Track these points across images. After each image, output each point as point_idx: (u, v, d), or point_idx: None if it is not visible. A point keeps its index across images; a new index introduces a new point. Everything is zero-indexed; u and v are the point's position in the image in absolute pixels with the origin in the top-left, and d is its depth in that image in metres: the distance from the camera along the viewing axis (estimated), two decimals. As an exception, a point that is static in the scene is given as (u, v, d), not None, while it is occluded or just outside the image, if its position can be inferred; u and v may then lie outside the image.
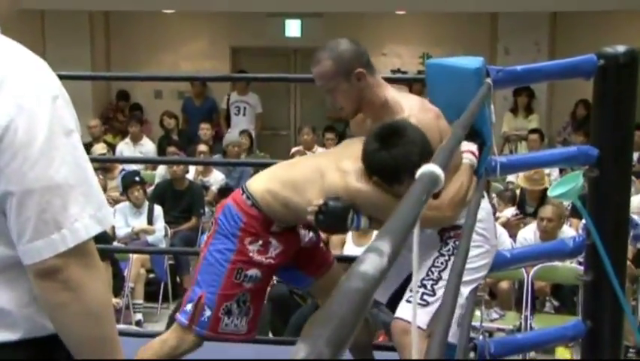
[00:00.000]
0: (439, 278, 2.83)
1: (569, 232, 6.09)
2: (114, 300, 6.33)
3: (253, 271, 2.94)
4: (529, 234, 6.25)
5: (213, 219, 3.10)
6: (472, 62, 2.99)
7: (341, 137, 8.80)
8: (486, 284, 6.35)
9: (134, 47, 11.91)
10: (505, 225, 6.98)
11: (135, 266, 6.68)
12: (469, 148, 2.91)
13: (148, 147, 9.99)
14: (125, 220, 7.29)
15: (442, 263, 2.88)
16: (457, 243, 2.86)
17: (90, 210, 1.50)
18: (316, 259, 3.18)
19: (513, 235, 6.61)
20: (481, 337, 3.94)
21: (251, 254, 2.92)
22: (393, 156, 2.67)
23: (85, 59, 11.47)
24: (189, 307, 2.99)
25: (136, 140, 9.96)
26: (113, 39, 12.28)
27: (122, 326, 5.80)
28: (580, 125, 9.76)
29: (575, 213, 6.64)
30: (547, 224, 6.01)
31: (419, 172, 1.31)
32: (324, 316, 0.67)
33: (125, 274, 6.59)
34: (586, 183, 3.28)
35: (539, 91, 10.73)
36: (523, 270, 5.89)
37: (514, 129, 10.48)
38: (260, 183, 2.96)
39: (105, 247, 6.50)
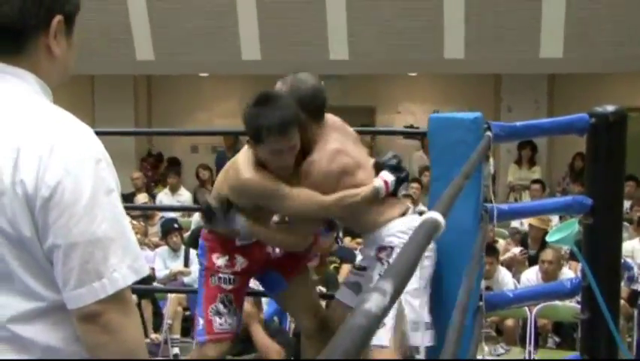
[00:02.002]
0: None
1: (569, 273, 6.05)
2: (154, 335, 6.35)
3: (225, 275, 3.06)
4: (531, 275, 6.21)
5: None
6: (471, 114, 3.02)
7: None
8: (492, 322, 6.31)
9: (172, 106, 12.04)
10: (510, 262, 6.97)
11: (173, 304, 6.67)
12: (384, 177, 2.97)
13: (185, 196, 10.04)
14: (163, 263, 7.31)
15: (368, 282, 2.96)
16: (389, 261, 2.91)
17: (128, 261, 1.53)
18: (290, 262, 3.20)
19: (517, 273, 6.59)
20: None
21: (218, 265, 3.06)
22: (256, 113, 2.79)
23: (129, 117, 11.61)
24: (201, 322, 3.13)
25: (174, 190, 10.03)
26: (154, 100, 12.44)
27: (161, 359, 5.81)
28: (577, 176, 9.74)
29: (573, 256, 6.59)
30: (548, 266, 5.98)
31: (423, 218, 1.32)
32: (330, 349, 0.68)
33: (164, 311, 6.59)
34: (581, 229, 3.27)
35: (540, 144, 10.73)
36: (527, 309, 5.85)
37: (518, 179, 10.48)
38: None
39: (147, 287, 6.54)
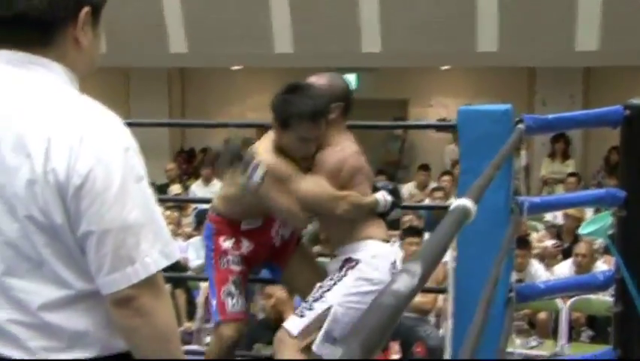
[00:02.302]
0: (321, 297, 2.97)
1: (603, 267, 5.99)
2: (187, 324, 6.41)
3: (233, 256, 3.13)
4: (565, 268, 6.18)
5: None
6: (501, 106, 3.02)
7: (391, 179, 8.80)
8: (525, 314, 6.29)
9: (206, 99, 12.13)
10: (543, 254, 6.94)
11: (206, 294, 6.73)
12: (384, 195, 3.09)
13: (218, 187, 10.08)
14: (196, 253, 7.36)
15: (328, 286, 2.99)
16: (347, 272, 2.98)
17: (159, 247, 1.57)
18: (287, 253, 3.30)
19: (548, 266, 6.56)
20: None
21: (225, 247, 3.13)
22: (288, 99, 2.89)
23: (163, 110, 11.72)
24: (214, 303, 3.21)
25: (207, 181, 10.10)
26: (187, 93, 12.54)
27: (195, 347, 5.87)
28: (612, 170, 9.64)
29: (608, 250, 6.53)
30: (582, 259, 5.94)
31: (453, 205, 1.33)
32: (357, 326, 0.70)
33: (197, 301, 6.65)
34: (615, 222, 3.25)
35: (575, 138, 10.64)
36: (561, 302, 5.82)
37: (551, 173, 10.41)
38: (216, 196, 3.31)
39: (180, 275, 6.62)
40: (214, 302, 3.16)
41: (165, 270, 1.60)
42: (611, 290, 3.62)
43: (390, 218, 3.19)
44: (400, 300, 0.78)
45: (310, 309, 2.96)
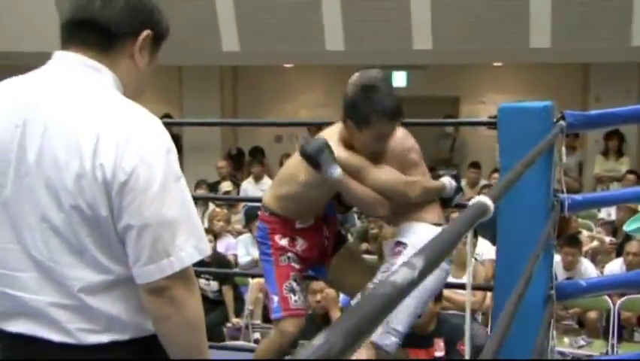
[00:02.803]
0: None
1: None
2: (235, 320, 6.49)
3: (292, 254, 3.14)
4: (615, 267, 6.09)
5: (257, 243, 3.35)
6: (540, 103, 3.01)
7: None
8: (574, 313, 6.22)
9: (258, 97, 12.22)
10: (597, 250, 6.87)
11: (254, 291, 6.80)
12: (449, 180, 3.12)
13: (269, 185, 10.17)
14: (246, 250, 7.45)
15: (381, 277, 2.96)
16: (396, 259, 2.98)
17: (193, 242, 1.68)
18: (330, 253, 3.32)
19: (601, 263, 6.49)
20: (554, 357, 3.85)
21: (282, 245, 3.12)
22: (367, 97, 2.86)
23: (215, 108, 11.84)
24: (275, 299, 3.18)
25: (258, 179, 10.19)
26: (239, 90, 12.65)
27: (242, 343, 5.95)
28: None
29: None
30: (633, 258, 5.85)
31: (471, 202, 1.35)
32: (348, 312, 0.74)
33: (245, 297, 6.73)
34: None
35: (630, 134, 10.46)
36: (610, 301, 5.76)
37: (605, 171, 10.25)
38: (268, 194, 3.22)
39: (228, 271, 6.71)
40: (275, 298, 3.13)
41: (213, 266, 1.72)
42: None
43: (454, 203, 3.20)
44: (395, 292, 0.81)
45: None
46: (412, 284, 0.87)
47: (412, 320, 2.97)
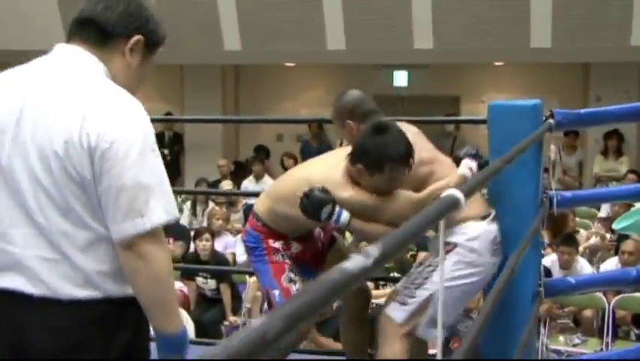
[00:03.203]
0: (422, 284, 2.92)
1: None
2: (232, 318, 6.52)
3: (285, 253, 3.11)
4: (611, 266, 6.10)
5: (244, 246, 3.26)
6: (529, 102, 3.03)
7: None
8: (570, 312, 6.24)
9: (259, 95, 12.24)
10: (597, 247, 6.88)
11: (252, 289, 6.81)
12: (467, 164, 3.02)
13: (269, 184, 10.19)
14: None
15: (427, 272, 2.95)
16: (445, 256, 2.91)
17: (164, 205, 1.93)
18: (325, 255, 3.32)
19: (600, 261, 6.51)
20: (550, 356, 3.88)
21: (276, 247, 3.09)
22: (380, 143, 2.82)
23: (217, 106, 11.87)
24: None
25: (258, 178, 10.21)
26: (241, 89, 12.67)
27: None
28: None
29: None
30: (628, 257, 5.86)
31: (442, 195, 1.37)
32: (293, 297, 0.76)
33: (243, 295, 6.74)
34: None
35: (629, 134, 10.47)
36: (605, 300, 5.77)
37: (604, 171, 10.26)
38: (262, 204, 3.12)
39: (226, 268, 6.74)
40: (276, 292, 3.08)
41: (211, 264, 1.84)
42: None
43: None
44: (345, 279, 0.82)
45: (413, 296, 2.93)
46: (365, 272, 0.88)
47: (457, 312, 2.99)
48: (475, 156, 3.07)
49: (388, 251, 0.97)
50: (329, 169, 2.97)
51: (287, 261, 3.12)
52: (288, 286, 3.08)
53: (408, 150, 2.84)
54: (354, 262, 0.88)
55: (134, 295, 1.96)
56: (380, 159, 2.81)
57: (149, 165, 1.92)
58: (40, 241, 1.92)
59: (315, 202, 2.80)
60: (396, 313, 2.95)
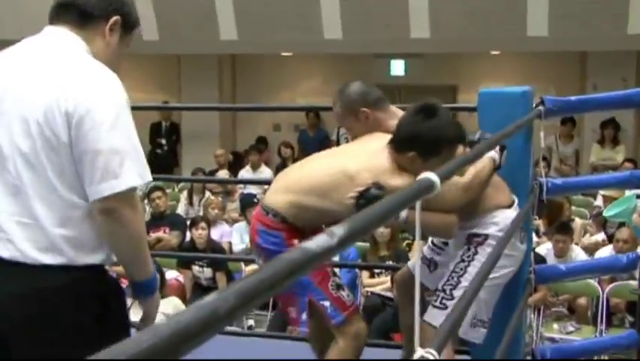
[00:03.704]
0: (458, 283, 2.80)
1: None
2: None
3: None
4: (605, 254, 6.10)
5: (254, 245, 2.97)
6: (519, 89, 3.02)
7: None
8: (564, 300, 6.25)
9: (256, 85, 12.22)
10: (592, 248, 6.86)
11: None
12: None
13: (266, 173, 10.21)
14: (240, 237, 7.47)
15: (461, 269, 2.83)
16: (477, 249, 2.83)
17: (137, 169, 2.04)
18: None
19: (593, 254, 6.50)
20: (545, 343, 3.88)
21: None
22: (434, 126, 2.68)
23: (213, 96, 11.85)
24: (304, 317, 2.87)
25: (255, 167, 10.21)
26: (238, 79, 12.65)
27: (236, 329, 5.97)
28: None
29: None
30: (623, 245, 5.86)
31: (419, 177, 1.36)
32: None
33: (239, 284, 6.74)
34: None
35: (626, 123, 10.46)
36: (599, 288, 5.78)
37: (601, 159, 10.26)
38: (280, 198, 2.87)
39: (222, 257, 6.75)
40: (327, 303, 2.81)
41: (207, 253, 1.88)
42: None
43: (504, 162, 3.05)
44: (306, 257, 0.82)
45: (450, 298, 2.78)
46: (328, 252, 0.88)
47: (494, 304, 2.84)
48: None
49: (354, 231, 0.96)
50: (370, 158, 2.77)
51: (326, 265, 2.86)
52: (338, 295, 2.83)
53: (462, 128, 2.75)
54: (317, 242, 0.87)
55: (101, 264, 2.11)
56: (437, 142, 2.68)
57: (123, 132, 2.03)
58: (16, 205, 2.04)
59: (374, 201, 2.61)
60: (434, 316, 2.79)
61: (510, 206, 2.90)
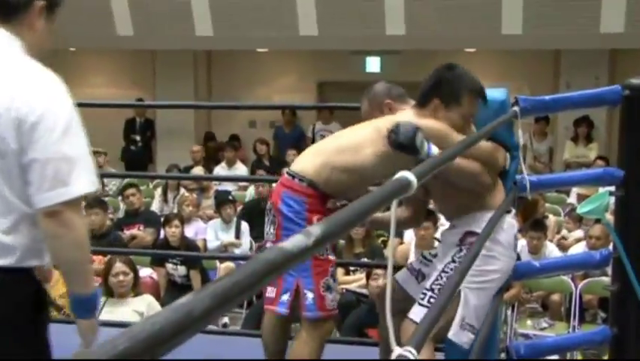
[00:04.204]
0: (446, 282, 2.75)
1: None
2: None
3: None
4: (579, 250, 6.16)
5: (274, 210, 2.86)
6: (499, 93, 3.04)
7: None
8: (538, 297, 6.30)
9: (231, 81, 12.18)
10: (567, 246, 6.92)
11: (222, 275, 6.82)
12: None
13: (241, 170, 10.19)
14: (215, 235, 7.45)
15: (451, 270, 2.80)
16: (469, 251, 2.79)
17: (86, 176, 2.05)
18: None
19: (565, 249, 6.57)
20: (519, 340, 3.91)
21: None
22: (456, 74, 2.86)
23: (189, 92, 11.79)
24: (285, 297, 2.86)
25: (230, 164, 10.18)
26: (213, 75, 12.60)
27: (211, 327, 5.95)
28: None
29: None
30: (596, 242, 5.92)
31: (395, 176, 1.36)
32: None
33: (214, 281, 6.72)
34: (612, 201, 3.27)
35: (599, 121, 10.55)
36: (572, 284, 5.83)
37: (574, 157, 10.35)
38: (309, 162, 2.86)
39: (196, 254, 6.72)
40: (310, 295, 2.81)
41: (181, 250, 1.88)
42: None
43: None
44: (282, 258, 0.82)
45: (438, 298, 2.65)
46: (304, 252, 0.88)
47: (485, 312, 2.79)
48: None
49: (331, 231, 0.96)
50: (397, 117, 2.82)
51: (330, 258, 2.86)
52: (324, 294, 2.83)
53: (483, 87, 2.86)
54: (293, 242, 0.87)
55: (30, 268, 2.11)
56: (458, 89, 2.82)
57: (73, 139, 2.04)
58: None
59: (406, 131, 2.58)
60: (419, 315, 2.73)
61: (508, 212, 2.93)
